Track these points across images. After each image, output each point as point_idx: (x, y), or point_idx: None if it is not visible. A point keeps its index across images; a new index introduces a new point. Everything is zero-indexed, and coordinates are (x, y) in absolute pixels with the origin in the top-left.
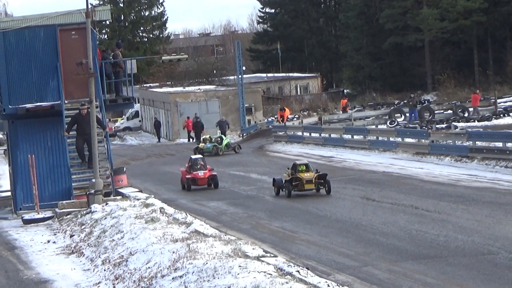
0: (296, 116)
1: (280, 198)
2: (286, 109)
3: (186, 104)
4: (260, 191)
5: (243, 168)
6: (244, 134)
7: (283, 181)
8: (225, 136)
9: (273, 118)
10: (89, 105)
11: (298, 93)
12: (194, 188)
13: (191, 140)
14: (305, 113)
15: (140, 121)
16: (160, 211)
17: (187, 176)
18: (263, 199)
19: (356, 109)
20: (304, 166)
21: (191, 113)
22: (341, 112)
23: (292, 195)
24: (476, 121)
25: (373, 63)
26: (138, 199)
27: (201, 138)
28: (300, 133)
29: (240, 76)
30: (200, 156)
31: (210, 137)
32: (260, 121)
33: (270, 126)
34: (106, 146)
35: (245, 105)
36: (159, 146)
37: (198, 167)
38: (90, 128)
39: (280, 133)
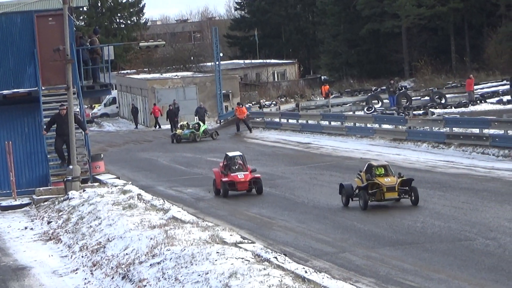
0: (273, 102)
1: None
2: (243, 108)
3: (164, 91)
4: None
5: (220, 154)
6: (222, 121)
7: (355, 188)
8: (203, 123)
9: (250, 104)
10: (67, 105)
11: (276, 80)
12: (171, 174)
13: (157, 127)
14: (283, 99)
15: (117, 107)
16: (138, 197)
17: (224, 179)
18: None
19: (333, 95)
20: (383, 169)
21: (169, 99)
22: (323, 98)
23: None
24: (453, 107)
25: (350, 50)
26: (115, 186)
27: (179, 124)
28: (277, 120)
29: (217, 63)
30: (238, 153)
31: (187, 123)
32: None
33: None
34: (83, 132)
35: (223, 92)
36: (136, 133)
37: (237, 167)
38: (67, 130)
39: (257, 119)
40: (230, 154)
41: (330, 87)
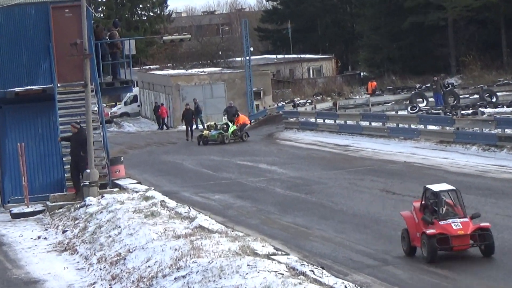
0: (309, 101)
1: (292, 190)
2: (241, 115)
3: (189, 88)
4: (269, 183)
5: (251, 157)
6: (252, 121)
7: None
8: (232, 123)
9: (284, 103)
10: (79, 124)
11: (311, 76)
12: (197, 179)
13: (163, 128)
14: (319, 97)
15: (139, 106)
16: (161, 204)
17: (428, 232)
18: (273, 192)
19: (376, 93)
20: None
21: (194, 97)
22: (369, 95)
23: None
24: (504, 106)
25: (392, 44)
26: (136, 192)
27: (206, 124)
28: (313, 120)
29: (247, 58)
30: (447, 186)
31: (215, 123)
32: (269, 106)
33: (280, 112)
34: (102, 133)
35: (253, 89)
36: (159, 134)
37: (446, 209)
38: (78, 149)
39: (291, 119)
40: (434, 187)
41: (366, 84)
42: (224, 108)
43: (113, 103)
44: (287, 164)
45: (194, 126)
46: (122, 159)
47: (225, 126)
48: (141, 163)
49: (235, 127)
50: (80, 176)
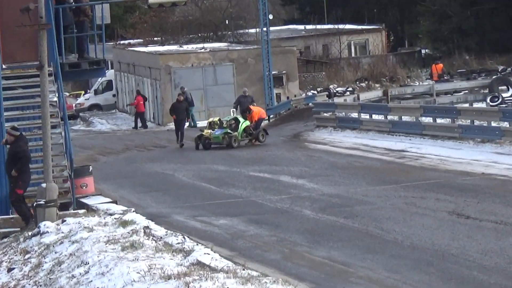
0: (350, 89)
1: (326, 212)
2: (255, 108)
3: (185, 71)
4: (295, 203)
5: (269, 167)
6: (271, 116)
7: None
8: (244, 118)
9: (315, 91)
10: (18, 131)
11: (353, 55)
12: (194, 196)
13: (139, 126)
14: (363, 84)
15: (114, 95)
16: (145, 232)
17: None
18: (300, 215)
19: (444, 78)
20: None
21: (189, 83)
22: (434, 82)
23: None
24: None
25: (465, 11)
26: (111, 214)
27: (208, 121)
28: (355, 115)
29: (265, 29)
30: None
31: (219, 120)
32: (295, 96)
33: (310, 104)
34: (63, 133)
35: (273, 73)
36: (142, 134)
37: None
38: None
39: (325, 114)
40: None
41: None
42: (236, 98)
43: (80, 92)
44: (320, 177)
45: (186, 124)
46: (91, 170)
47: (233, 122)
48: (117, 175)
49: (248, 122)
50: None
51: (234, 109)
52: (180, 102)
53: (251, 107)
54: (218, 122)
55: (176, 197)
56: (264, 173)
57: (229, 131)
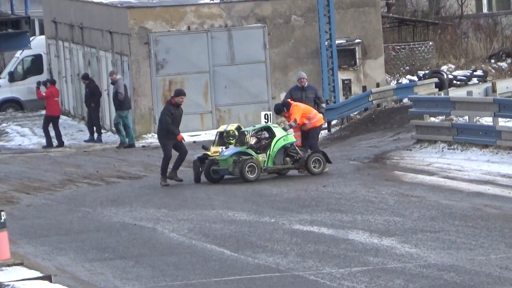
0: (478, 72)
1: None
2: (294, 107)
3: (174, 39)
4: (376, 281)
5: (330, 215)
6: (334, 122)
7: None
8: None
9: (414, 77)
10: None
11: (485, 10)
12: (194, 270)
13: (51, 143)
14: (503, 64)
15: (46, 83)
16: None
17: None
18: None
19: None
20: None
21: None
22: None
23: None
24: None
25: None
26: None
27: (217, 132)
28: (489, 120)
29: None
30: None
31: (240, 129)
32: (378, 85)
33: (405, 101)
34: None
35: (338, 42)
36: (98, 154)
37: None
38: None
39: (433, 119)
40: None
41: None
42: (287, 92)
43: None
44: (422, 233)
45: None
46: (3, 219)
47: (263, 136)
48: (52, 229)
49: (291, 137)
50: None
51: (270, 113)
52: (178, 102)
53: (293, 104)
54: (237, 134)
55: (159, 270)
56: (321, 226)
57: (251, 151)
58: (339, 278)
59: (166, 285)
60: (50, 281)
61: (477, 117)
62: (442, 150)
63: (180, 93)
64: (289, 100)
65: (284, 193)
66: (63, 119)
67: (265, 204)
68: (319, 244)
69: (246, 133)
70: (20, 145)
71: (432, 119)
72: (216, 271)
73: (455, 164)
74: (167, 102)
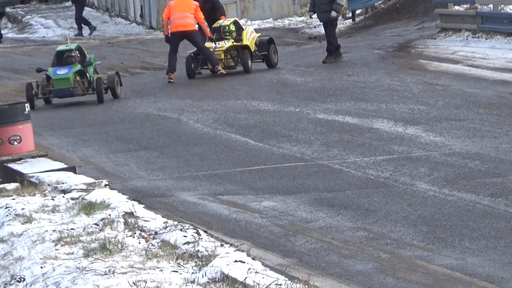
0: None
1: (457, 186)
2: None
3: None
4: (401, 169)
5: (354, 104)
6: (359, 11)
7: None
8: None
9: None
10: None
11: None
12: (214, 157)
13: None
14: None
15: None
16: (127, 223)
17: None
18: (410, 191)
19: None
20: None
21: None
22: None
23: None
24: None
25: None
26: (65, 192)
27: (211, 27)
28: None
29: None
30: None
31: (229, 26)
32: None
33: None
34: None
35: None
36: (120, 44)
37: None
38: None
39: (457, 7)
40: None
41: None
42: None
43: None
44: (446, 122)
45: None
46: (27, 111)
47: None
48: (75, 121)
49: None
50: None
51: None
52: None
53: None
54: (233, 29)
55: (184, 160)
56: (345, 115)
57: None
58: (364, 167)
59: (190, 175)
60: (75, 172)
61: (502, 5)
62: (467, 39)
63: None
64: None
65: (309, 83)
66: (87, 10)
67: (290, 94)
68: (344, 133)
69: (244, 27)
70: (44, 37)
71: (457, 7)
72: (241, 161)
73: (479, 52)
74: None
